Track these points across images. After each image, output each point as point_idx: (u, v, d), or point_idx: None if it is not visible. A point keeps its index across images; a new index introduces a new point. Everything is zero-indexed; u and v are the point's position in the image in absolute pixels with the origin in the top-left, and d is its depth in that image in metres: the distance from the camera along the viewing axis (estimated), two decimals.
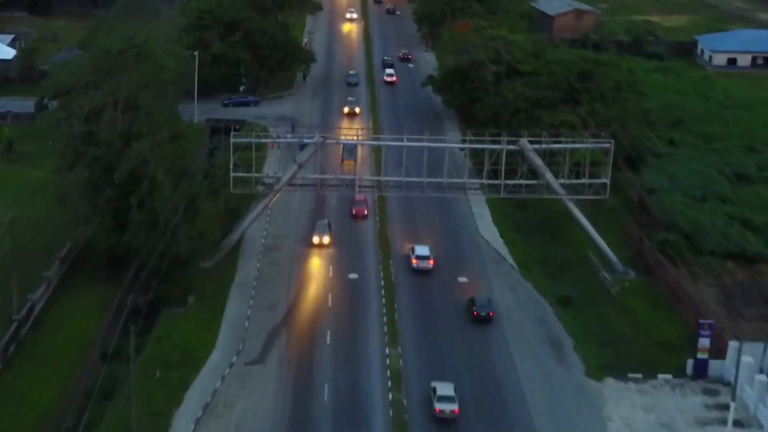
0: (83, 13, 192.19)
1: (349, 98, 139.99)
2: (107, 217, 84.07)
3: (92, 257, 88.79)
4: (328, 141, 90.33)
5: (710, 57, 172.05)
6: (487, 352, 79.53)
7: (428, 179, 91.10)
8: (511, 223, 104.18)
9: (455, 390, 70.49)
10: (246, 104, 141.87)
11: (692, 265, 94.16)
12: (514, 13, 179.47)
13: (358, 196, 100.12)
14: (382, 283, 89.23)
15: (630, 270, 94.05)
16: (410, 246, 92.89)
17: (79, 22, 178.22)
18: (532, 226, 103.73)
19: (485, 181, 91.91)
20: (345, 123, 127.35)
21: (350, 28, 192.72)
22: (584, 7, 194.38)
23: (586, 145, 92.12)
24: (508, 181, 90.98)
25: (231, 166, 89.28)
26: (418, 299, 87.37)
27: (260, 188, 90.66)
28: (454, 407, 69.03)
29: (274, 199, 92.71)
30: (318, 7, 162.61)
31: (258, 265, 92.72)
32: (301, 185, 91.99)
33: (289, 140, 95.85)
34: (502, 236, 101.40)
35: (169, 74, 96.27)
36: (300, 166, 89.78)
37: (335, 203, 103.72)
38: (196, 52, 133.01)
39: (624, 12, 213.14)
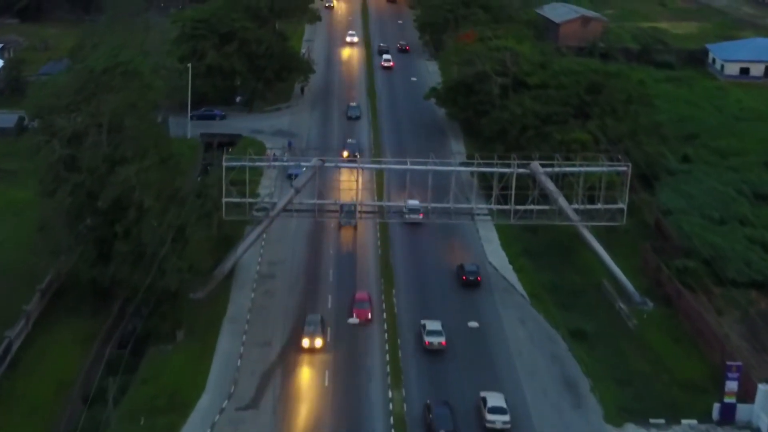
0: (75, 20, 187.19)
1: (349, 140, 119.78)
2: (90, 247, 78.55)
3: (75, 289, 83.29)
4: (327, 164, 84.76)
5: (722, 66, 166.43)
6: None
7: (433, 204, 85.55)
8: (520, 248, 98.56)
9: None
10: (211, 118, 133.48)
11: (714, 295, 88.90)
12: (519, 20, 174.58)
13: (360, 294, 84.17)
14: (384, 316, 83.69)
15: (648, 300, 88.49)
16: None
17: (71, 29, 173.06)
18: (543, 251, 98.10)
19: (494, 207, 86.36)
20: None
21: (350, 52, 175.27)
22: (591, 13, 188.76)
23: (602, 168, 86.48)
24: (518, 207, 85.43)
25: (224, 191, 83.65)
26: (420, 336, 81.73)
27: (254, 214, 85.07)
28: None
29: (270, 225, 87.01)
30: (316, 17, 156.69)
31: (252, 295, 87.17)
32: (298, 211, 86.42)
33: (285, 164, 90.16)
34: (511, 262, 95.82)
35: (157, 94, 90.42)
36: (297, 191, 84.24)
37: (333, 226, 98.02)
38: (189, 64, 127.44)
39: (631, 18, 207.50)
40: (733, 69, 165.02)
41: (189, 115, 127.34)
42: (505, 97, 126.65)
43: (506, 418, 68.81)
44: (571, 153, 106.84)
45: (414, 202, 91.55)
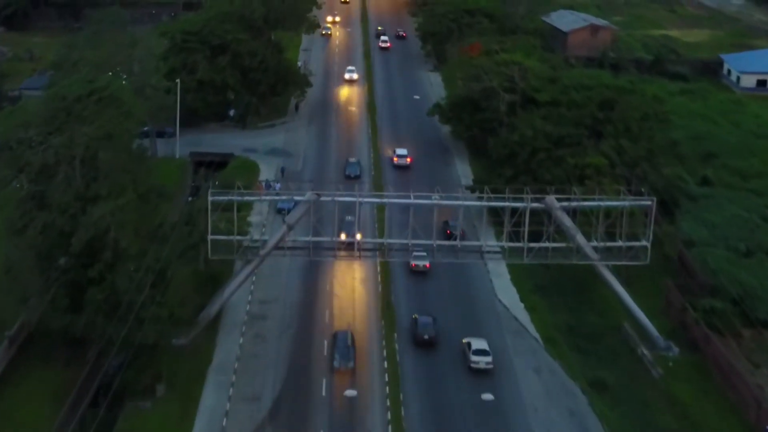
0: (64, 28, 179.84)
1: (348, 217, 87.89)
2: (61, 293, 71.13)
3: (46, 336, 75.68)
4: (323, 198, 77.34)
5: (738, 78, 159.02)
6: None
7: (439, 242, 78.15)
8: (532, 284, 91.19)
9: None
10: (161, 135, 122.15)
11: (743, 338, 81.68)
12: (525, 29, 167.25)
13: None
14: (386, 365, 76.36)
15: (672, 345, 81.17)
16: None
17: (58, 38, 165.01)
18: (557, 287, 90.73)
19: (506, 244, 78.96)
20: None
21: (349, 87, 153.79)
22: (600, 22, 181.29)
23: (623, 202, 79.06)
24: (532, 244, 78.05)
25: (209, 228, 76.26)
26: (426, 387, 74.35)
27: (243, 254, 77.71)
28: None
29: (260, 265, 79.63)
30: (315, 26, 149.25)
31: (241, 340, 79.78)
32: (291, 248, 78.98)
33: (276, 198, 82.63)
34: (522, 300, 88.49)
35: (136, 124, 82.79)
36: (290, 228, 76.85)
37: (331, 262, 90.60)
38: (178, 80, 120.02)
39: (640, 25, 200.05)
40: (749, 81, 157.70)
41: (177, 133, 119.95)
42: (512, 114, 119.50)
43: (489, 359, 75.54)
44: (586, 179, 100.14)
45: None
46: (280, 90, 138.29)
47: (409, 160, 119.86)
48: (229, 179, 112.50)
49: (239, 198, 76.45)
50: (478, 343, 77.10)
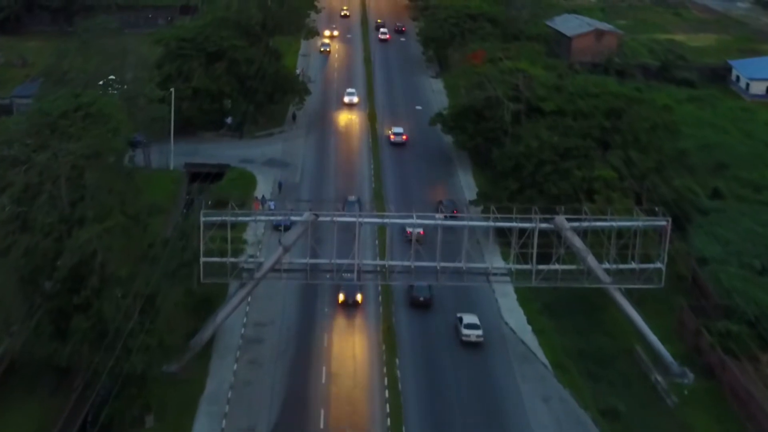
0: (58, 32, 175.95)
1: (346, 274, 77.53)
2: (45, 320, 67.44)
3: (31, 365, 71.89)
4: (321, 219, 73.66)
5: (747, 85, 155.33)
6: None
7: (443, 264, 74.43)
8: (539, 304, 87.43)
9: None
10: (132, 146, 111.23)
11: (761, 363, 78.05)
12: (529, 32, 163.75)
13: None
14: (387, 395, 72.69)
15: (687, 371, 77.49)
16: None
17: (53, 42, 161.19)
18: (565, 307, 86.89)
19: (513, 266, 75.28)
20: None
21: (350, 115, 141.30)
22: (605, 26, 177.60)
23: (637, 222, 75.36)
24: (541, 266, 74.39)
25: (201, 250, 72.59)
26: (431, 413, 70.74)
27: (237, 276, 74.01)
28: None
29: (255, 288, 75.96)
30: (314, 33, 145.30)
31: (235, 366, 76.06)
32: (287, 271, 75.21)
33: (272, 218, 78.92)
34: (530, 322, 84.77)
35: (123, 142, 78.95)
36: (286, 250, 73.19)
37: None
38: (172, 89, 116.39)
39: (645, 30, 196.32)
40: (759, 88, 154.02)
41: (172, 143, 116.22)
42: (517, 123, 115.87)
43: (479, 332, 79.40)
44: (595, 193, 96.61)
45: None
46: (278, 98, 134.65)
47: (405, 137, 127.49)
48: (225, 192, 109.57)
49: (233, 218, 72.71)
50: (469, 318, 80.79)
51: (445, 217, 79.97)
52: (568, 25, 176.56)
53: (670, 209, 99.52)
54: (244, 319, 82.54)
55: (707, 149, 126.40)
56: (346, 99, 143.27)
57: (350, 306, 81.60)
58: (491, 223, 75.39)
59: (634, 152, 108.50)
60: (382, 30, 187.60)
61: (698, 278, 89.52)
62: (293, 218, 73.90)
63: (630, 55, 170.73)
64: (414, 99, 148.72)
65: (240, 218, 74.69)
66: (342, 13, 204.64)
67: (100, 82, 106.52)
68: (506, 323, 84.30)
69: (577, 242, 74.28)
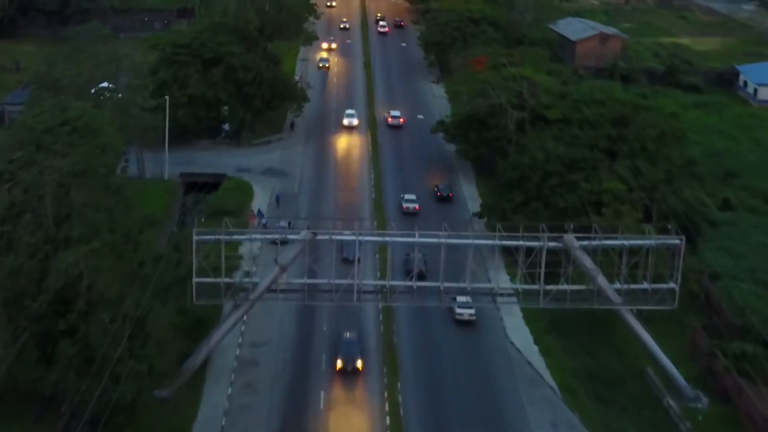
0: (53, 36, 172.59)
1: (347, 335, 77.31)
2: (30, 345, 64.22)
3: (15, 391, 68.60)
4: (319, 237, 70.51)
5: (755, 90, 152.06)
6: None
7: (447, 284, 71.31)
8: (546, 322, 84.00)
9: None
10: None
11: None
12: (532, 37, 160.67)
13: None
14: (388, 422, 69.55)
15: (701, 395, 74.28)
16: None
17: (47, 47, 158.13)
18: (572, 324, 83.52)
19: (520, 286, 72.15)
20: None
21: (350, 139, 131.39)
22: (609, 30, 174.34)
23: (649, 241, 72.18)
24: (549, 287, 71.24)
25: (193, 271, 69.44)
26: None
27: (232, 296, 70.87)
28: None
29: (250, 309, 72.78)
30: (313, 38, 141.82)
31: (229, 391, 72.90)
32: (284, 291, 72.01)
33: (267, 237, 75.60)
34: (536, 341, 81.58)
35: (113, 158, 75.67)
36: (283, 269, 70.06)
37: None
38: (167, 96, 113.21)
39: (650, 33, 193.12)
40: (767, 94, 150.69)
41: (167, 152, 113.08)
42: (521, 132, 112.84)
43: (472, 311, 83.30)
44: (603, 206, 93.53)
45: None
46: (276, 105, 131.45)
47: (401, 120, 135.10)
48: (221, 202, 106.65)
49: (226, 237, 69.50)
50: (462, 298, 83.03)
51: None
52: (572, 28, 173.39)
53: (680, 222, 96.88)
54: (240, 339, 79.41)
55: (715, 157, 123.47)
56: (346, 121, 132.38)
57: (349, 374, 75.65)
58: (497, 242, 72.16)
59: (642, 162, 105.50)
60: (381, 23, 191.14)
61: (711, 295, 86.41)
62: (290, 237, 70.59)
63: (635, 59, 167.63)
64: (415, 105, 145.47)
65: (234, 237, 71.42)
66: (341, 26, 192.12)
67: (92, 90, 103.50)
68: (512, 343, 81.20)
69: (587, 261, 71.17)
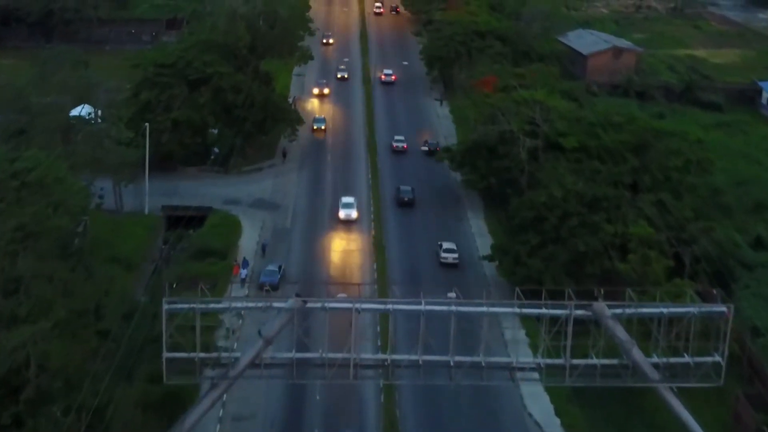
0: (34, 48, 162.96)
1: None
2: None
3: None
4: (309, 305, 60.78)
5: None
6: None
7: (458, 357, 61.56)
8: (569, 389, 74.24)
9: None
10: None
11: None
12: (541, 51, 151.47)
13: None
14: None
15: None
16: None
17: (29, 60, 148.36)
18: (599, 393, 73.40)
19: (543, 361, 62.39)
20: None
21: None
22: (623, 43, 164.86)
23: (691, 308, 62.49)
24: (576, 361, 61.52)
25: (164, 344, 59.74)
26: None
27: (208, 376, 61.19)
28: None
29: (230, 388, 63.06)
30: (308, 56, 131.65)
31: None
32: (269, 366, 62.12)
33: (250, 305, 65.63)
34: (558, 413, 72.00)
35: (69, 220, 65.66)
36: (268, 342, 60.27)
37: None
38: (147, 124, 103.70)
39: (663, 44, 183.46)
40: None
41: (147, 183, 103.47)
42: (534, 161, 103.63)
43: (455, 255, 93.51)
44: (629, 252, 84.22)
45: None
46: (269, 128, 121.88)
47: (394, 78, 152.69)
48: (206, 240, 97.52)
49: (202, 306, 59.70)
50: (448, 245, 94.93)
51: (457, 297, 65.91)
52: (583, 41, 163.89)
53: (713, 266, 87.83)
54: (220, 412, 69.88)
55: (742, 186, 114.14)
56: (342, 214, 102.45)
57: None
58: (516, 310, 62.36)
59: (667, 195, 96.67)
60: (376, 5, 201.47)
61: (753, 357, 76.82)
62: (276, 305, 60.74)
63: (649, 73, 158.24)
64: (418, 126, 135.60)
65: (210, 305, 61.45)
66: (338, 75, 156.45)
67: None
68: (530, 414, 71.76)
69: (620, 333, 61.33)
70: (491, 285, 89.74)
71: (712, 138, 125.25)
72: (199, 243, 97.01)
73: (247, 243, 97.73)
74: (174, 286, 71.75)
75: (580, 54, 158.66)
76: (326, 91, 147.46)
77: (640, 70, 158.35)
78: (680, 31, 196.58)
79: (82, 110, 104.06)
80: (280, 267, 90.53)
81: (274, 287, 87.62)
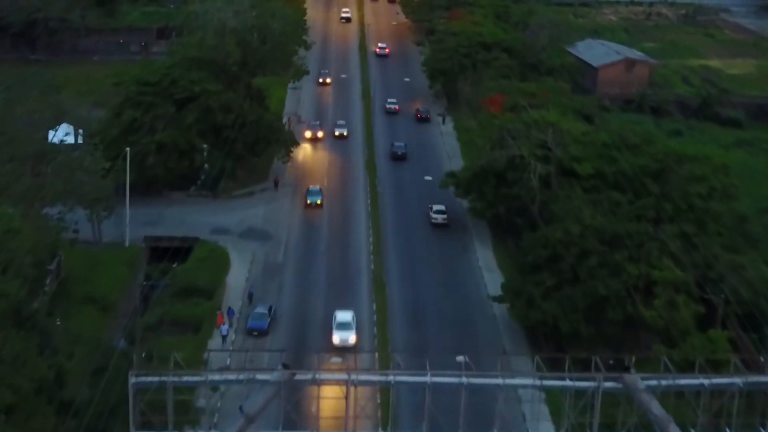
0: (18, 59, 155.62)
1: None
2: None
3: None
4: (298, 377, 53.02)
5: None
6: None
7: None
8: None
9: None
10: None
11: None
12: (549, 63, 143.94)
13: None
14: None
15: None
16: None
17: (13, 70, 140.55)
18: None
19: None
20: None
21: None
22: (635, 54, 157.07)
23: (735, 380, 54.72)
24: None
25: (131, 421, 51.94)
26: None
27: None
28: None
29: None
30: (303, 73, 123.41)
31: None
32: None
33: (231, 380, 57.42)
34: None
35: (22, 285, 56.91)
36: (250, 421, 52.49)
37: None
38: (127, 149, 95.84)
39: (677, 53, 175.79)
40: None
41: (128, 212, 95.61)
42: (547, 188, 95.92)
43: (445, 216, 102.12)
44: (654, 297, 76.45)
45: None
46: (261, 149, 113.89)
47: (387, 51, 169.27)
48: (191, 276, 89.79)
49: (175, 379, 51.87)
50: (438, 206, 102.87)
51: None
52: (593, 53, 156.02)
53: (744, 307, 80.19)
54: None
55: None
56: (337, 338, 77.74)
57: None
58: (537, 382, 54.49)
59: (691, 226, 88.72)
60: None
61: None
62: (260, 377, 52.82)
63: (663, 86, 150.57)
64: (420, 146, 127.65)
65: (185, 379, 53.51)
66: (336, 133, 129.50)
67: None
68: None
69: (655, 408, 53.60)
70: (502, 330, 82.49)
71: (733, 158, 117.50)
72: (183, 280, 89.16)
73: (236, 280, 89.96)
74: (155, 330, 63.64)
75: (591, 66, 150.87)
76: (320, 134, 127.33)
77: (653, 82, 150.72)
78: (693, 40, 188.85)
79: (58, 131, 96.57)
80: (270, 308, 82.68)
81: (263, 332, 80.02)
